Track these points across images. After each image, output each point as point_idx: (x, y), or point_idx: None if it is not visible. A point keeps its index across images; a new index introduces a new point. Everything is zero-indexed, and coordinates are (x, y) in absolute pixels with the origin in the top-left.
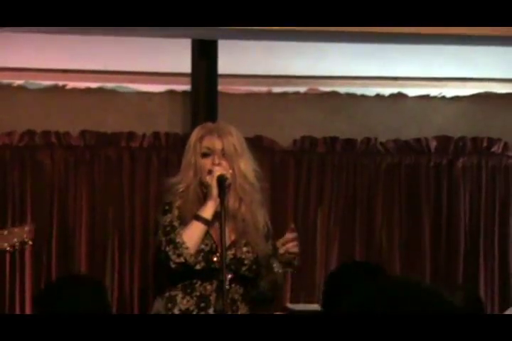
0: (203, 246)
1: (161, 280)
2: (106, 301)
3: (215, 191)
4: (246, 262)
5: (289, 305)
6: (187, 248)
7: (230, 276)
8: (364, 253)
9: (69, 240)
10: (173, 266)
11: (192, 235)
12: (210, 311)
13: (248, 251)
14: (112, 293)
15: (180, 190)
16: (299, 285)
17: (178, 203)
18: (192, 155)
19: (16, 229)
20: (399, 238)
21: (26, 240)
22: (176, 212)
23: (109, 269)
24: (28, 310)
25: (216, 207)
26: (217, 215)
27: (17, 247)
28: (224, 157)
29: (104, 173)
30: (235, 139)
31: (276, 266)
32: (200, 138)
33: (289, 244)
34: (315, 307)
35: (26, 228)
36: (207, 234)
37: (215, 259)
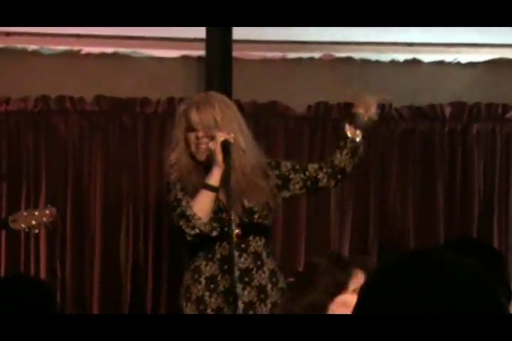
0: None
1: (185, 252)
2: (49, 305)
3: (220, 157)
4: (256, 209)
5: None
6: (199, 218)
7: (237, 231)
8: (378, 220)
9: (83, 205)
10: (189, 238)
11: (202, 205)
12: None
13: (257, 201)
14: (126, 260)
15: (172, 161)
16: (313, 251)
17: (174, 176)
18: (178, 129)
19: (37, 212)
20: (413, 204)
21: (46, 223)
22: (177, 186)
23: (124, 234)
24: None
25: (222, 172)
26: (222, 180)
27: (36, 229)
28: (207, 130)
29: (118, 139)
30: (216, 111)
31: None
32: (184, 112)
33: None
34: None
35: (47, 211)
36: None
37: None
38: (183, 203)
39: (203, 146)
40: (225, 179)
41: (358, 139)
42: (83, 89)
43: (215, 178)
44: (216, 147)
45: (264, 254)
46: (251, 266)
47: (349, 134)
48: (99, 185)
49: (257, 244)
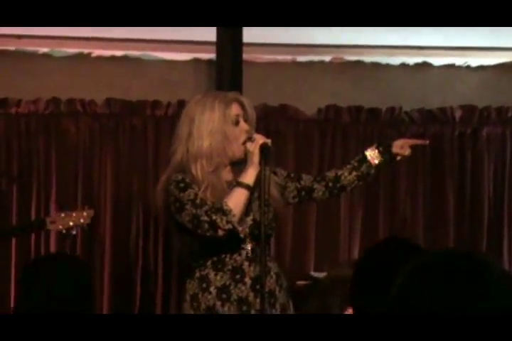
0: None
1: (188, 259)
2: (87, 281)
3: (256, 158)
4: (266, 223)
5: (313, 273)
6: (234, 215)
7: (251, 245)
8: (388, 224)
9: (93, 207)
10: (221, 233)
11: (237, 202)
12: (247, 280)
13: (265, 212)
14: (136, 262)
15: (204, 166)
16: (323, 254)
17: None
18: (221, 123)
19: (75, 213)
20: (423, 207)
21: (84, 225)
22: (196, 188)
23: (134, 236)
24: None
25: (257, 174)
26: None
27: (73, 231)
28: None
29: (128, 141)
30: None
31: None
32: (229, 106)
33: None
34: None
35: (84, 213)
36: None
37: (241, 228)
38: (209, 202)
39: (259, 136)
40: (260, 183)
41: (374, 165)
42: (94, 92)
43: (250, 178)
44: (255, 148)
45: (268, 260)
46: (264, 278)
47: (369, 158)
48: (109, 186)
49: (263, 253)
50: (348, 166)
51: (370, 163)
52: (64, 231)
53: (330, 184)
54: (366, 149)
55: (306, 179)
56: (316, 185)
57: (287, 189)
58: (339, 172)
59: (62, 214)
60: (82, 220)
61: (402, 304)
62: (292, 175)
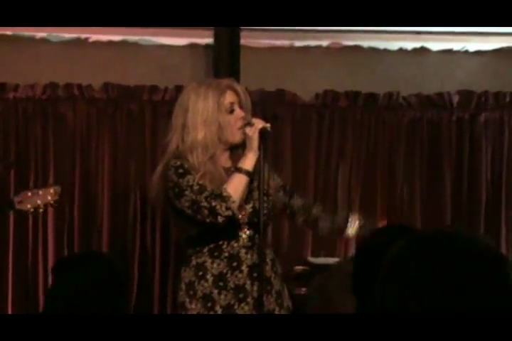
0: None
1: (184, 246)
2: (119, 281)
3: (255, 143)
4: (265, 212)
5: (310, 259)
6: (234, 201)
7: (248, 232)
8: (385, 208)
9: (91, 193)
10: (220, 219)
11: (237, 188)
12: (244, 268)
13: (264, 201)
14: (133, 246)
15: (199, 152)
16: (320, 240)
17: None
18: (215, 112)
19: (41, 191)
20: (420, 192)
21: (51, 202)
22: (195, 174)
23: (131, 221)
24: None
25: (256, 159)
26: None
27: (41, 209)
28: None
29: (126, 126)
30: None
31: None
32: (222, 94)
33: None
34: (335, 260)
35: (51, 190)
36: None
37: (240, 216)
38: (209, 188)
39: (258, 120)
40: (259, 168)
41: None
42: (91, 77)
43: (249, 163)
44: (254, 133)
45: (264, 248)
46: (257, 261)
47: (348, 226)
48: (107, 172)
49: (260, 241)
50: (330, 218)
51: (347, 229)
52: (32, 210)
53: (309, 220)
54: (353, 218)
55: (295, 202)
56: (299, 213)
57: (278, 197)
58: (320, 219)
59: (29, 193)
60: (49, 197)
61: (387, 301)
62: (287, 187)
